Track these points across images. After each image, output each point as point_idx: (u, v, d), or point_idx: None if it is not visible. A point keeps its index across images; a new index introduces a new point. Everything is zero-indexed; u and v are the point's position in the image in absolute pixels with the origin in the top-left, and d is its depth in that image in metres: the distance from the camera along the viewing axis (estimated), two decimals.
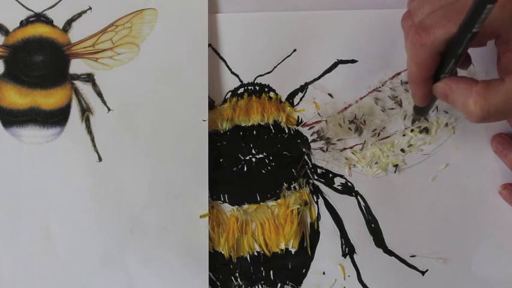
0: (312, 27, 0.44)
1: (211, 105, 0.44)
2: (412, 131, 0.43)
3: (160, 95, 0.43)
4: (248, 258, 0.42)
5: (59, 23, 0.44)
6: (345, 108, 0.43)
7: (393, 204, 0.42)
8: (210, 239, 0.42)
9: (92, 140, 0.43)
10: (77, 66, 0.43)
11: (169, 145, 0.42)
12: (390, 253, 0.42)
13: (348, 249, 0.42)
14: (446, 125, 0.43)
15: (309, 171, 0.43)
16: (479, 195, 0.42)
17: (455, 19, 0.28)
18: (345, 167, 0.43)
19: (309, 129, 0.44)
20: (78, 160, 0.42)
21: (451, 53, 0.30)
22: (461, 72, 0.37)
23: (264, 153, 0.43)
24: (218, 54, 0.44)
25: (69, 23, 0.44)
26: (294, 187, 0.43)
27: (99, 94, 0.43)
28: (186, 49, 0.43)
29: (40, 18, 0.44)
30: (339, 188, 0.43)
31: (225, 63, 0.44)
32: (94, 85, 0.43)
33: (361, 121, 0.43)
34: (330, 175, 0.43)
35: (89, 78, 0.43)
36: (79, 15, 0.44)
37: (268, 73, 0.44)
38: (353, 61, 0.44)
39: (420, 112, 0.40)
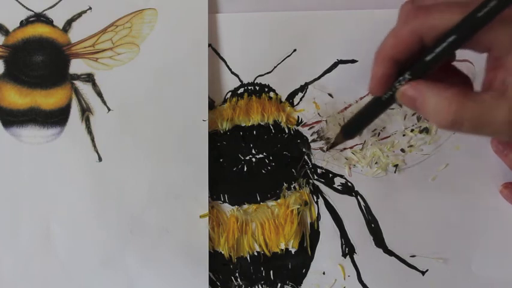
0: (312, 27, 0.44)
1: (211, 105, 0.44)
2: (412, 131, 0.43)
3: (160, 95, 0.43)
4: (248, 258, 0.42)
5: (59, 23, 0.44)
6: (345, 108, 0.43)
7: (393, 204, 0.42)
8: (210, 239, 0.42)
9: (92, 140, 0.43)
10: (77, 66, 0.43)
11: (169, 145, 0.42)
12: (390, 253, 0.42)
13: (348, 249, 0.42)
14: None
15: (309, 171, 0.43)
16: (479, 195, 0.42)
17: (455, 10, 0.26)
18: (345, 167, 0.43)
19: (309, 129, 0.44)
20: (78, 160, 0.42)
21: (429, 50, 0.28)
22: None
23: (264, 153, 0.43)
24: (218, 54, 0.44)
25: (69, 23, 0.44)
26: (294, 187, 0.43)
27: (99, 94, 0.43)
28: (186, 49, 0.43)
29: (40, 18, 0.44)
30: (339, 188, 0.43)
31: (225, 63, 0.44)
32: (94, 85, 0.43)
33: None
34: (330, 175, 0.43)
35: (89, 78, 0.43)
36: (79, 15, 0.44)
37: (268, 73, 0.44)
38: (353, 61, 0.44)
39: (348, 133, 0.37)
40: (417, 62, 0.28)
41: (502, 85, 0.26)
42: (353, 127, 0.36)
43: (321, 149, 0.43)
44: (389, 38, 0.29)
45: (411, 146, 0.43)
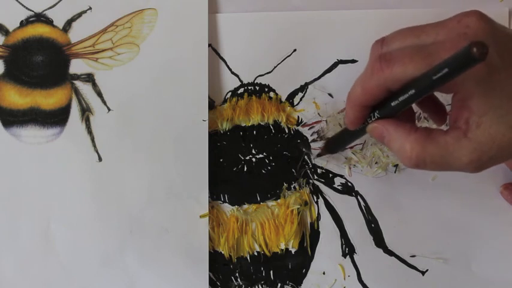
0: (312, 27, 0.44)
1: (211, 105, 0.44)
2: None
3: (160, 95, 0.43)
4: (248, 258, 0.42)
5: (59, 23, 0.44)
6: (345, 108, 0.43)
7: (393, 204, 0.42)
8: (210, 239, 0.42)
9: (92, 140, 0.43)
10: (77, 66, 0.43)
11: (169, 145, 0.42)
12: (390, 253, 0.42)
13: (348, 249, 0.42)
14: (446, 125, 0.43)
15: (309, 171, 0.43)
16: (479, 196, 0.42)
17: (418, 62, 0.27)
18: (345, 167, 0.43)
19: (309, 129, 0.44)
20: (78, 160, 0.42)
21: (396, 96, 0.29)
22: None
23: (264, 153, 0.43)
24: (218, 54, 0.44)
25: (69, 23, 0.44)
26: (294, 187, 0.43)
27: (99, 94, 0.43)
28: (186, 49, 0.43)
29: (40, 18, 0.44)
30: (339, 188, 0.43)
31: (225, 63, 0.44)
32: (94, 85, 0.43)
33: None
34: (330, 175, 0.43)
35: (89, 78, 0.43)
36: (79, 15, 0.44)
37: (268, 73, 0.44)
38: (353, 61, 0.44)
39: (331, 148, 0.41)
40: (384, 104, 0.30)
41: (465, 124, 0.28)
42: (334, 146, 0.40)
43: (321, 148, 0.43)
44: (358, 87, 0.31)
45: None
